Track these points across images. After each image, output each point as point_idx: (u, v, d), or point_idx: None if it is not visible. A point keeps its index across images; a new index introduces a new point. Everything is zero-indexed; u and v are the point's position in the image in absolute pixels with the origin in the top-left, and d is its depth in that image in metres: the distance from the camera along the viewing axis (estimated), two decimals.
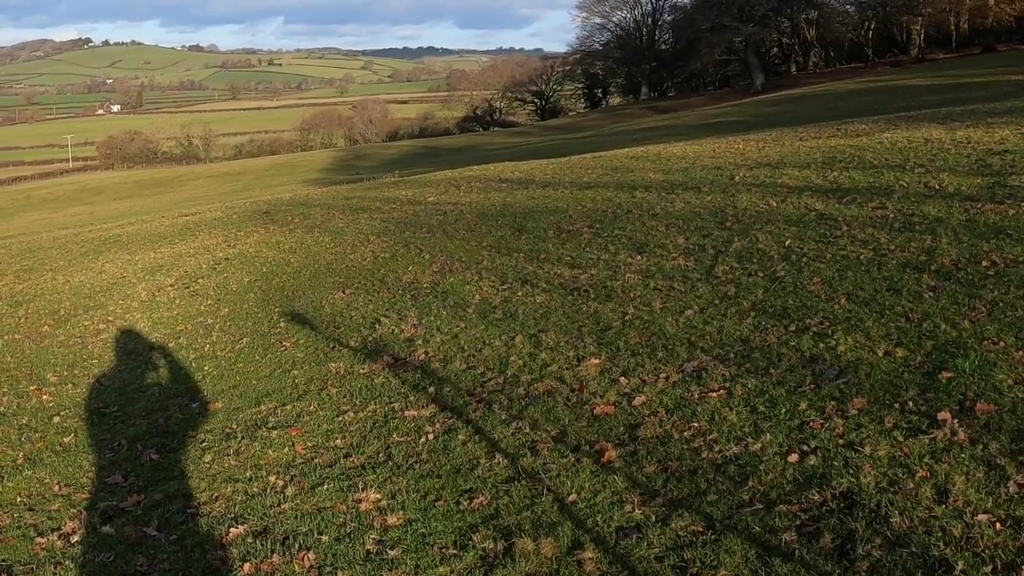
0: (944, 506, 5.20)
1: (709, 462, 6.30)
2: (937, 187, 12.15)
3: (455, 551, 5.86)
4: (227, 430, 8.80)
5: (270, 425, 8.71)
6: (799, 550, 5.15)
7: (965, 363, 6.78)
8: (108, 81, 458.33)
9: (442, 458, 7.19)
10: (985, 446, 5.68)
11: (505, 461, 6.90)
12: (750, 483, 5.92)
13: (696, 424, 6.85)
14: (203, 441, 8.64)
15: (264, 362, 11.03)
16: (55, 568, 6.30)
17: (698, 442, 6.59)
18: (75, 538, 6.82)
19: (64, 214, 61.26)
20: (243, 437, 8.51)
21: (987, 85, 36.21)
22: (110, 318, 14.96)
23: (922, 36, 78.51)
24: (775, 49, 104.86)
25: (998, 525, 4.93)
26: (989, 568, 4.62)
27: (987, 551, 4.76)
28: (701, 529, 5.56)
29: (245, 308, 14.09)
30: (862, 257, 9.78)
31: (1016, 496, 5.15)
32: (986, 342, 7.05)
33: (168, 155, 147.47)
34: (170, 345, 12.79)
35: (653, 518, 5.78)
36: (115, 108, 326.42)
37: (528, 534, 5.85)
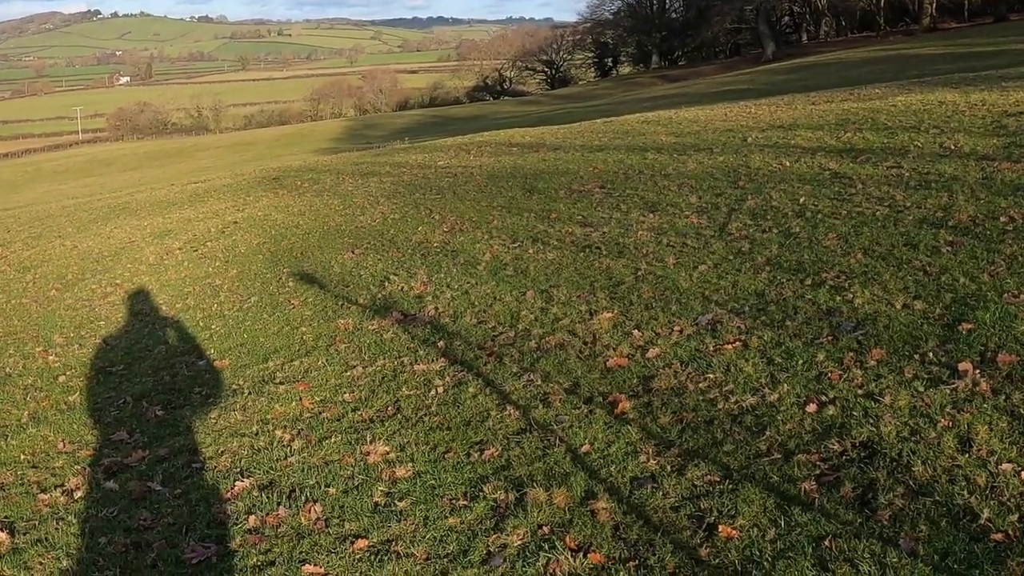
0: (967, 455, 5.07)
1: (725, 413, 6.16)
2: (952, 147, 11.98)
3: (465, 502, 5.74)
4: (234, 386, 8.69)
5: (277, 380, 8.60)
6: (819, 499, 5.02)
7: (985, 315, 6.65)
8: (117, 53, 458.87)
9: (452, 411, 7.07)
10: (1008, 396, 5.55)
11: (516, 413, 6.78)
12: (767, 433, 5.79)
13: (711, 375, 6.71)
14: (209, 397, 8.53)
15: (272, 320, 10.92)
16: (57, 524, 6.19)
17: (714, 393, 6.45)
18: (78, 494, 6.72)
19: (73, 185, 61.22)
20: (250, 393, 8.40)
21: (1000, 54, 35.89)
22: (118, 281, 14.86)
23: (934, 5, 77.81)
24: (786, 18, 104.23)
25: (1023, 475, 4.78)
26: (1015, 517, 4.50)
27: (1012, 500, 4.64)
28: (718, 479, 5.43)
29: (253, 269, 13.98)
30: (878, 214, 9.64)
31: None
32: (1006, 295, 6.91)
33: (178, 126, 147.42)
34: (177, 306, 12.69)
35: (668, 468, 5.65)
36: (124, 80, 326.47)
37: (540, 484, 5.72)
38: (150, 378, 9.41)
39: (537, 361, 7.71)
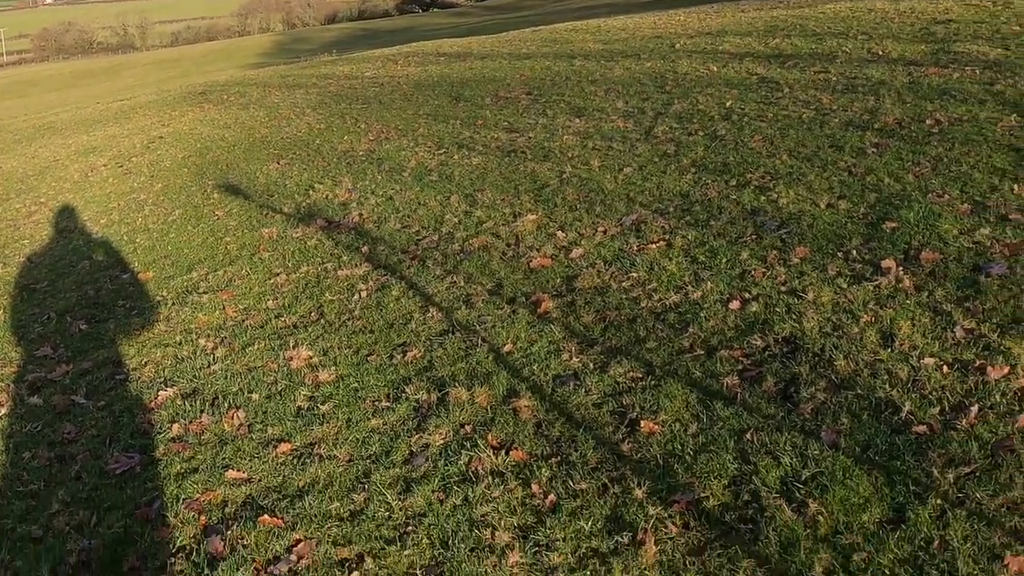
0: (890, 350, 5.06)
1: (648, 311, 6.11)
2: (880, 53, 11.95)
3: (388, 403, 5.67)
4: (158, 298, 8.52)
5: (201, 290, 8.44)
6: (741, 394, 4.99)
7: (910, 214, 6.63)
8: None
9: (375, 314, 6.97)
10: (931, 293, 5.54)
11: (439, 315, 6.70)
12: (690, 330, 5.75)
13: (635, 275, 6.66)
14: (133, 310, 8.36)
15: (196, 231, 10.71)
16: None
17: (637, 292, 6.40)
18: (2, 411, 6.58)
19: None
20: (174, 303, 8.24)
21: None
22: (42, 200, 14.52)
23: None
24: None
25: (945, 368, 4.80)
26: (936, 410, 4.49)
27: (934, 393, 4.63)
28: (640, 375, 5.39)
29: (179, 183, 13.70)
30: (804, 116, 9.60)
31: (963, 341, 5.02)
32: (931, 195, 6.89)
33: (104, 45, 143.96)
34: (102, 221, 12.41)
35: (591, 366, 5.60)
36: (49, 0, 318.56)
37: (462, 384, 5.66)
38: (74, 293, 9.20)
39: (460, 263, 7.61)
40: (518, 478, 4.72)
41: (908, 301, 5.52)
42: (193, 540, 4.72)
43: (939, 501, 3.96)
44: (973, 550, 3.65)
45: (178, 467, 5.43)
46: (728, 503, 4.26)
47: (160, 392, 6.40)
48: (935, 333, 5.17)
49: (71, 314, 8.60)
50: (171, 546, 4.70)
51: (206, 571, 4.45)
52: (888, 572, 3.66)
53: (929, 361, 4.92)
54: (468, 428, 5.24)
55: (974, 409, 4.46)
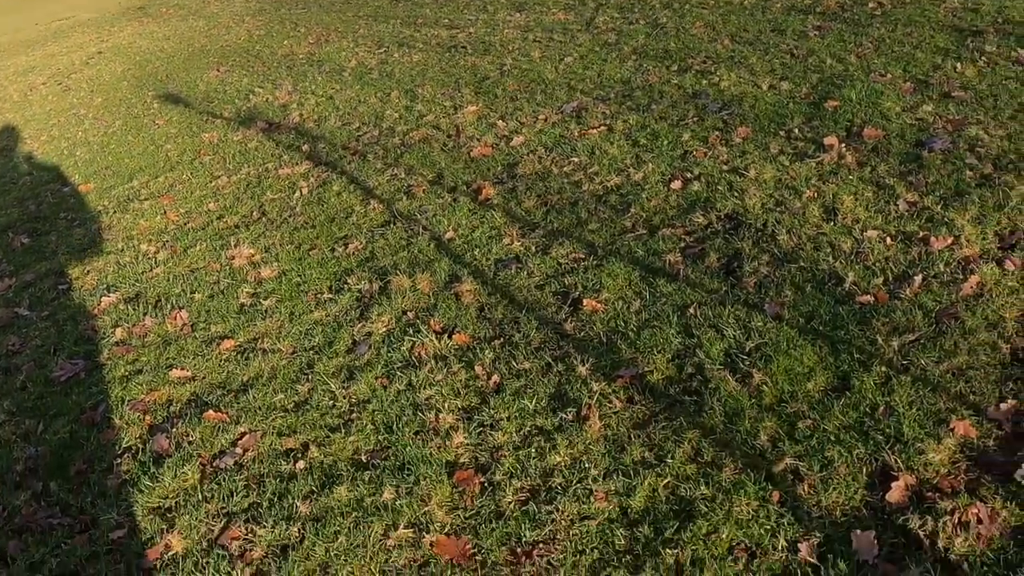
0: (832, 224, 5.00)
1: (590, 194, 6.02)
2: None
3: (330, 295, 5.58)
4: (99, 208, 8.34)
5: (142, 198, 8.27)
6: (684, 270, 4.92)
7: (852, 92, 6.57)
8: None
9: (316, 210, 6.85)
10: (873, 168, 5.47)
11: (380, 207, 6.59)
12: (632, 210, 5.67)
13: (576, 159, 6.56)
14: (75, 221, 8.18)
15: (137, 141, 10.48)
16: None
17: (578, 176, 6.30)
18: None
19: None
20: (115, 212, 8.07)
21: None
22: None
23: None
24: None
25: (888, 240, 4.75)
26: (880, 280, 4.45)
27: (878, 264, 4.58)
28: (583, 256, 5.30)
29: (119, 96, 13.41)
30: (746, 2, 9.51)
31: (906, 213, 4.97)
32: (873, 74, 6.82)
33: None
34: (43, 138, 12.12)
35: (533, 249, 5.51)
36: None
37: (404, 272, 5.57)
38: (16, 208, 8.99)
39: (401, 156, 7.49)
40: (461, 361, 4.65)
41: (851, 176, 5.46)
42: (139, 440, 4.64)
43: (884, 369, 3.91)
44: (918, 415, 3.62)
45: (123, 370, 5.33)
46: (672, 376, 4.20)
47: (103, 299, 6.27)
48: (878, 207, 5.11)
49: (12, 229, 8.41)
50: (117, 447, 4.62)
51: (152, 469, 4.36)
52: (833, 438, 3.62)
53: (872, 233, 4.86)
54: (411, 315, 5.15)
55: (918, 279, 4.41)
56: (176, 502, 4.13)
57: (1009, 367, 3.78)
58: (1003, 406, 3.62)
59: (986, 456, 3.40)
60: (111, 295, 6.26)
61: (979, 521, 3.15)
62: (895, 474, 3.39)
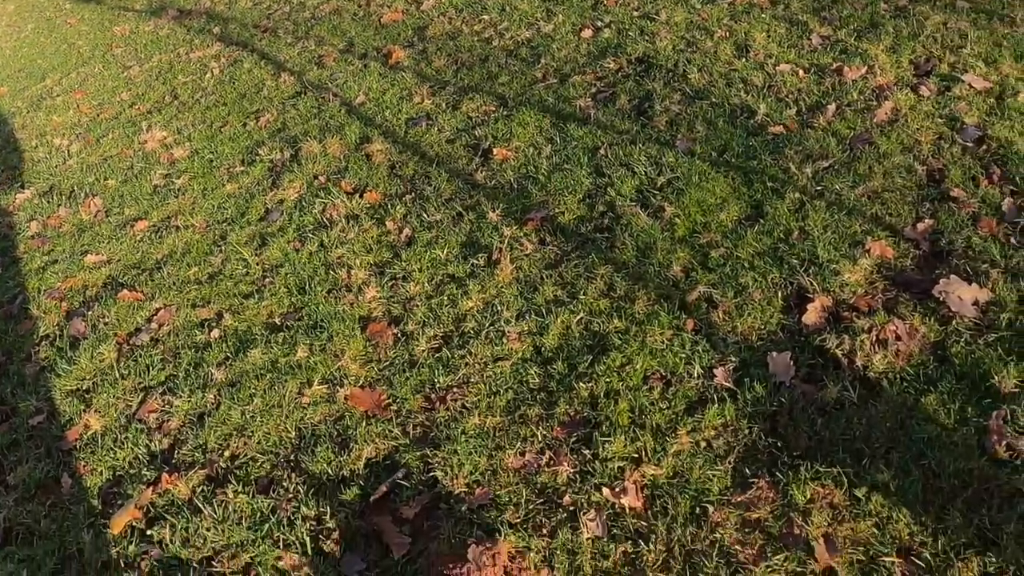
0: (744, 60, 4.92)
1: (500, 48, 5.89)
2: None
3: (242, 168, 5.45)
4: (12, 109, 8.09)
5: (55, 95, 8.03)
6: (595, 114, 4.84)
7: None
8: None
9: (228, 88, 6.68)
10: (787, 6, 5.41)
11: (291, 79, 6.43)
12: (543, 62, 5.55)
13: (486, 17, 6.42)
14: None
15: (49, 42, 10.18)
16: None
17: (488, 32, 6.17)
18: None
19: None
20: (28, 111, 7.84)
21: None
22: None
23: None
24: None
25: (801, 73, 4.68)
26: (793, 111, 4.39)
27: (790, 96, 4.52)
28: (493, 108, 5.19)
29: (31, 1, 13.00)
30: None
31: (819, 47, 4.89)
32: None
33: None
34: None
35: (443, 106, 5.39)
36: None
37: (315, 138, 5.45)
38: None
39: (311, 29, 7.31)
40: (373, 218, 4.55)
41: (763, 15, 5.37)
42: (56, 327, 4.52)
43: (797, 195, 3.86)
44: (834, 238, 3.56)
45: (39, 262, 5.20)
46: (583, 216, 4.12)
47: (17, 195, 6.10)
48: (791, 42, 5.03)
49: None
50: (35, 336, 4.50)
51: (69, 353, 4.26)
52: (747, 265, 3.56)
53: (785, 67, 4.79)
54: (322, 179, 5.04)
55: (831, 107, 4.35)
56: (94, 383, 4.04)
57: (925, 188, 3.74)
58: (920, 226, 3.58)
59: (904, 275, 3.36)
60: (25, 191, 6.10)
61: (898, 338, 3.11)
62: (811, 296, 3.35)
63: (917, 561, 2.47)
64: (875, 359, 3.02)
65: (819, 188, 3.87)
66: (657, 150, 4.38)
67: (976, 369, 2.90)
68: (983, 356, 2.93)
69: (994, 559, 2.43)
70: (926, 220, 3.57)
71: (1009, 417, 2.74)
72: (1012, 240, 3.38)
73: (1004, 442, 2.69)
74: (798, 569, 2.53)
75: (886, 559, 2.49)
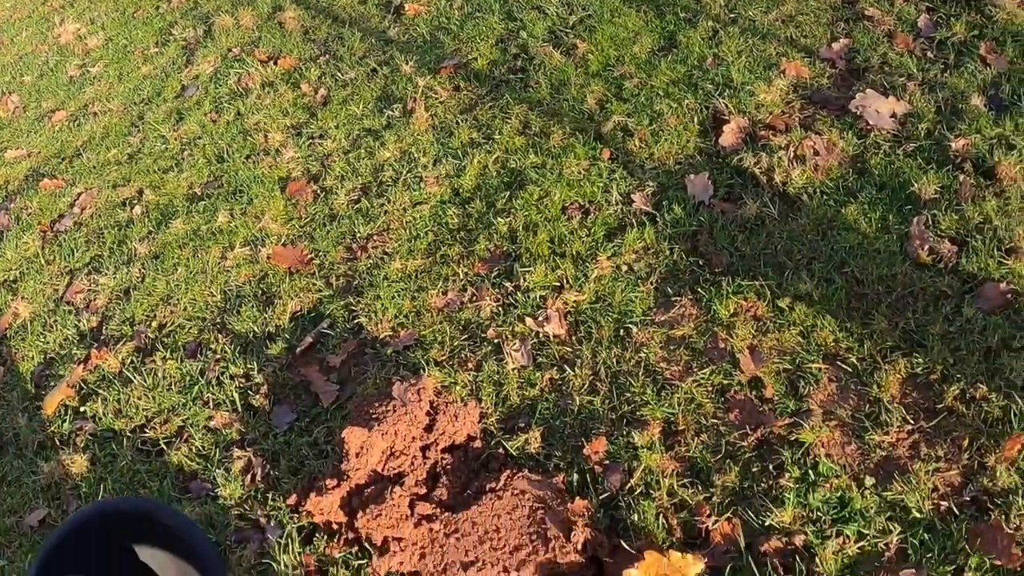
0: None
1: None
2: None
3: (156, 49, 5.30)
4: None
5: None
6: None
7: None
8: None
9: None
10: None
11: None
12: None
13: None
14: None
15: None
16: None
17: None
18: None
19: None
20: None
21: None
22: None
23: None
24: None
25: None
26: None
27: None
28: None
29: None
30: None
31: None
32: None
33: None
34: None
35: None
36: None
37: (227, 12, 5.30)
38: None
39: None
40: (288, 83, 4.45)
41: None
42: None
43: (711, 23, 3.78)
44: (748, 62, 3.50)
45: None
46: (497, 59, 4.04)
47: None
48: None
49: None
50: None
51: None
52: (662, 93, 3.51)
53: None
54: (236, 50, 4.91)
55: None
56: (20, 272, 3.97)
57: (840, 9, 3.67)
58: (835, 46, 3.52)
59: (820, 93, 3.32)
60: None
61: (816, 153, 3.08)
62: (726, 118, 3.30)
63: (843, 366, 2.46)
64: (794, 175, 2.98)
65: (732, 15, 3.80)
66: None
67: (896, 179, 2.87)
68: (902, 166, 2.91)
69: (920, 360, 2.41)
70: (841, 40, 3.51)
71: (931, 222, 2.71)
72: (928, 54, 3.34)
73: (927, 246, 2.67)
74: (724, 381, 2.51)
75: (812, 366, 2.47)
